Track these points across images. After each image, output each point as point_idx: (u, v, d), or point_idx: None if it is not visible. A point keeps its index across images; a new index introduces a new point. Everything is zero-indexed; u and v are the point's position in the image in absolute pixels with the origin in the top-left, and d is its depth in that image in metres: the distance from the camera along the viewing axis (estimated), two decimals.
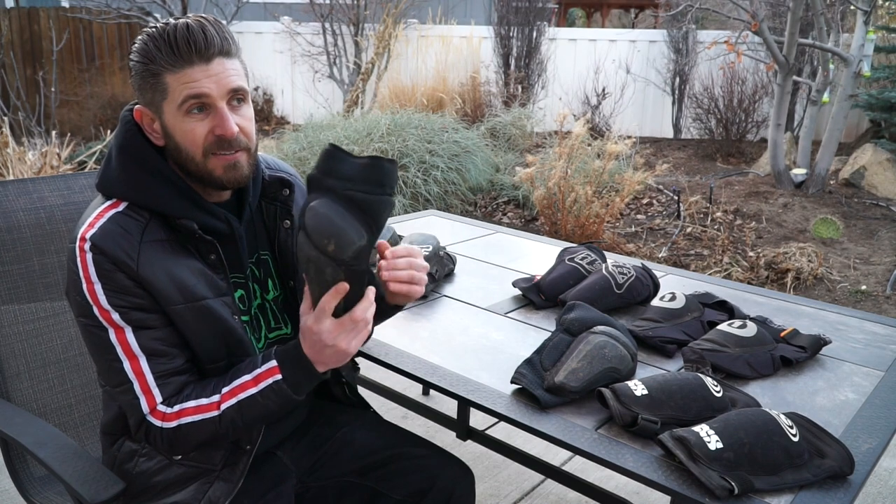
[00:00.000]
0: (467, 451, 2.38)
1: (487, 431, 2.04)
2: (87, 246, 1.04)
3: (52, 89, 7.08)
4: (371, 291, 1.06)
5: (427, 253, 1.81)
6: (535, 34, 7.96)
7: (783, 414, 1.11)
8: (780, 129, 5.83)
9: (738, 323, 1.44)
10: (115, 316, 1.06)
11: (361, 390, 1.60)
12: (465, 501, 1.37)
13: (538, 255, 2.12)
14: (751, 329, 1.42)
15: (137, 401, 1.08)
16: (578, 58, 8.29)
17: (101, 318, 1.06)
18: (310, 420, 1.41)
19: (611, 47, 8.27)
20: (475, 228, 2.42)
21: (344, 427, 1.41)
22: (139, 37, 1.09)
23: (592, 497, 1.82)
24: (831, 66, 6.00)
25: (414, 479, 1.34)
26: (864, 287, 4.03)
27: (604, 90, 7.65)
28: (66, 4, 8.48)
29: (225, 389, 1.09)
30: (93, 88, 7.91)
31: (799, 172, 5.88)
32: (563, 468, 1.98)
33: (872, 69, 6.07)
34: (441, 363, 1.39)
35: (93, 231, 1.05)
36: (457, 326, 1.57)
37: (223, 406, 1.07)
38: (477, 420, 2.05)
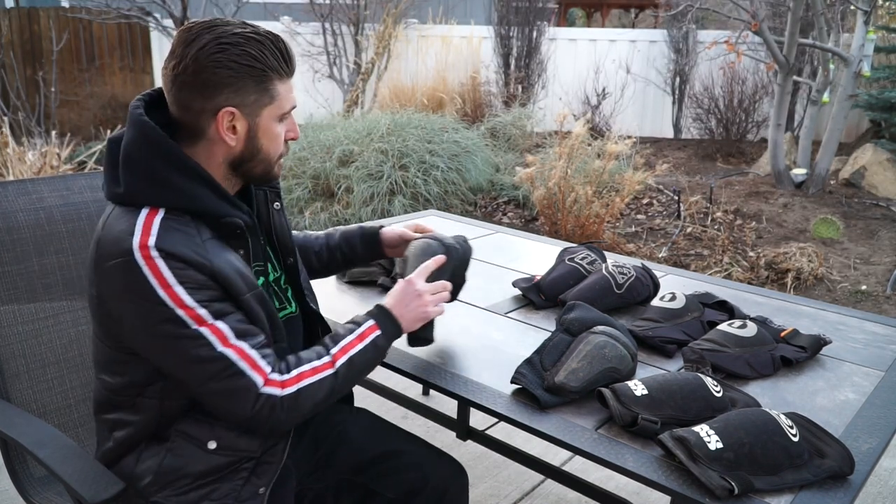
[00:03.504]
0: (467, 451, 2.37)
1: (487, 431, 2.03)
2: (153, 253, 1.03)
3: (52, 89, 7.08)
4: (449, 285, 1.35)
5: None
6: (535, 34, 7.95)
7: (783, 414, 1.11)
8: (780, 129, 5.83)
9: (738, 323, 1.44)
10: (202, 311, 1.06)
11: (362, 390, 1.60)
12: (458, 500, 1.38)
13: (538, 255, 2.12)
14: (751, 329, 1.42)
15: (249, 381, 1.08)
16: (578, 58, 8.29)
17: (187, 318, 1.05)
18: (307, 421, 1.41)
19: (611, 47, 8.26)
20: (475, 228, 2.41)
21: (339, 426, 1.42)
22: (228, 39, 1.07)
23: (592, 497, 1.82)
24: (831, 66, 6.00)
25: (407, 477, 1.34)
26: (864, 287, 4.03)
27: (604, 90, 7.65)
28: (66, 4, 8.48)
29: (334, 350, 1.18)
30: (93, 88, 7.91)
31: (799, 172, 5.88)
32: (563, 468, 1.98)
33: (872, 69, 6.07)
34: (441, 363, 1.39)
35: (153, 238, 1.04)
36: (457, 326, 1.57)
37: (337, 363, 1.16)
38: (477, 420, 2.05)
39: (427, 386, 1.35)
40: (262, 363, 1.10)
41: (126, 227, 1.06)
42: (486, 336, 1.53)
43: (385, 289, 1.78)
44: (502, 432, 2.01)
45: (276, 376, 1.11)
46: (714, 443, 1.03)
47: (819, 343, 1.45)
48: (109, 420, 1.20)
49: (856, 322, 1.66)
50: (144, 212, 1.08)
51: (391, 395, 2.25)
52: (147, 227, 1.05)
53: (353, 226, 1.59)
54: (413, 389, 2.64)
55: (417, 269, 1.32)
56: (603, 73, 7.90)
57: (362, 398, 1.58)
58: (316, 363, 1.15)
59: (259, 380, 1.09)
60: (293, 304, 1.34)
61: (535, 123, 6.87)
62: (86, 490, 1.08)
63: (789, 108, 6.71)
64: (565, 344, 1.33)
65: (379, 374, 2.04)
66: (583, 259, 1.77)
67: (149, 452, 1.17)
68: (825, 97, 6.04)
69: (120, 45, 8.10)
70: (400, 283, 1.30)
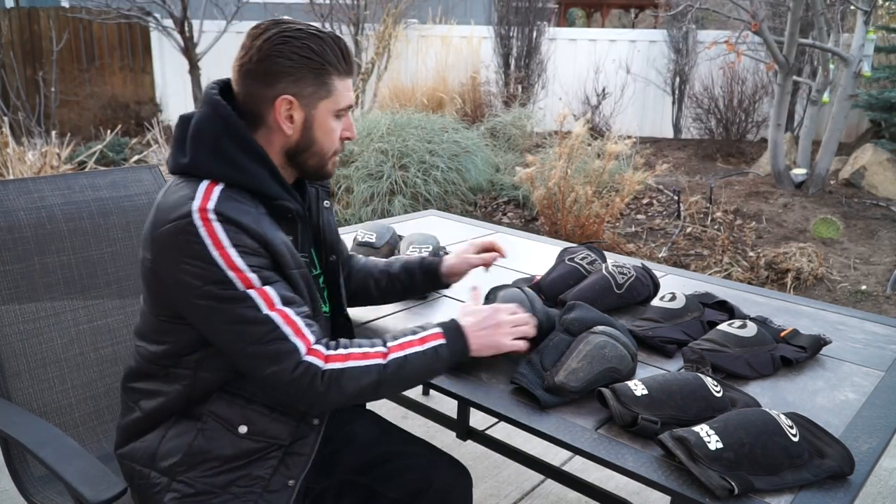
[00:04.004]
0: (467, 451, 2.38)
1: (487, 431, 2.04)
2: (211, 216, 1.07)
3: (52, 89, 7.08)
4: (534, 320, 1.30)
5: (427, 253, 1.81)
6: (535, 34, 7.96)
7: (783, 414, 1.11)
8: (780, 129, 5.83)
9: (738, 323, 1.44)
10: (252, 276, 1.08)
11: None
12: (461, 503, 1.37)
13: (538, 255, 2.12)
14: (751, 329, 1.42)
15: (292, 346, 1.09)
16: (578, 58, 8.29)
17: (236, 280, 1.07)
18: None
19: (611, 47, 8.26)
20: (475, 228, 2.42)
21: (347, 425, 1.43)
22: (292, 33, 1.14)
23: (592, 497, 1.82)
24: (831, 66, 6.00)
25: (410, 478, 1.35)
26: (864, 287, 4.03)
27: (604, 90, 7.65)
28: (66, 4, 8.48)
29: (392, 343, 1.17)
30: (93, 88, 7.91)
31: (799, 172, 5.89)
32: (563, 468, 1.98)
33: (872, 69, 6.07)
34: None
35: (212, 203, 1.08)
36: None
37: (390, 356, 1.15)
38: (477, 420, 2.06)
39: (427, 386, 1.35)
40: (307, 331, 1.11)
41: (187, 192, 1.10)
42: None
43: None
44: (502, 432, 2.01)
45: (320, 348, 1.12)
46: (714, 443, 1.03)
47: (819, 343, 1.45)
48: (140, 389, 1.21)
49: (856, 322, 1.66)
50: (205, 182, 1.12)
51: None
52: (207, 194, 1.09)
53: (415, 256, 1.60)
54: (413, 389, 2.65)
55: (508, 305, 1.29)
56: (603, 73, 7.90)
57: None
58: (368, 349, 1.15)
59: (302, 347, 1.10)
60: (327, 305, 1.35)
61: (535, 123, 6.87)
62: (87, 489, 1.08)
63: (789, 108, 6.71)
64: (565, 344, 1.33)
65: None
66: (583, 259, 1.77)
67: (176, 430, 1.17)
68: (825, 97, 6.04)
69: (120, 45, 8.10)
70: (485, 306, 1.27)
